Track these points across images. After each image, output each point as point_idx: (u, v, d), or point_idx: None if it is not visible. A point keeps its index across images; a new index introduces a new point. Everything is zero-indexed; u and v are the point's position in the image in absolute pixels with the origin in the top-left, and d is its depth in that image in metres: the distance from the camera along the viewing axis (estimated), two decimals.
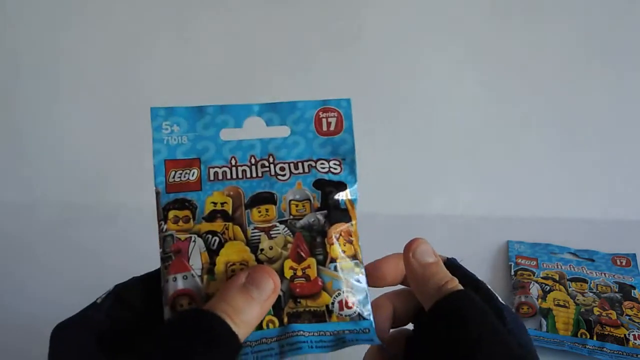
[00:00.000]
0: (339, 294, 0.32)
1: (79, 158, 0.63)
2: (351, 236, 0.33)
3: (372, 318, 0.32)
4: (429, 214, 0.68)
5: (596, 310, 0.54)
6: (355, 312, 0.32)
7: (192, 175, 0.33)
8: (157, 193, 0.33)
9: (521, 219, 0.68)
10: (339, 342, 0.32)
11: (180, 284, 0.31)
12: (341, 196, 0.34)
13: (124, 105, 0.64)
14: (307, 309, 0.32)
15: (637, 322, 0.53)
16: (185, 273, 0.31)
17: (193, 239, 0.32)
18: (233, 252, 0.32)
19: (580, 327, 0.53)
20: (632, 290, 0.58)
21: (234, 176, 0.33)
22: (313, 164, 0.34)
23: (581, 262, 0.61)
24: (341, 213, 0.33)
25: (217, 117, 0.34)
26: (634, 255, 0.62)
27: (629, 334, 0.52)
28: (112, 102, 0.65)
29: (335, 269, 0.32)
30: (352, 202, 0.34)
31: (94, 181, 0.61)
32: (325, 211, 0.33)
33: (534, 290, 0.56)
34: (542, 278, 0.58)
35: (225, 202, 0.33)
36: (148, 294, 0.31)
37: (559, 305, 0.54)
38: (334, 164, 0.34)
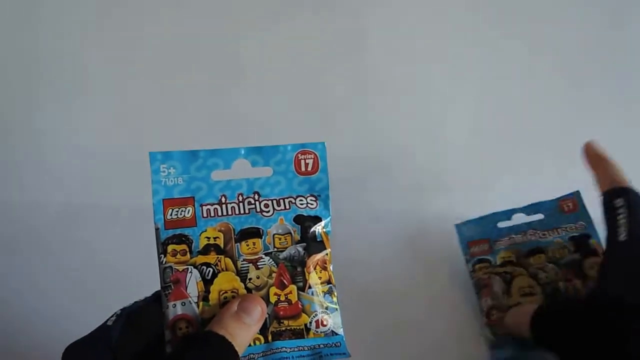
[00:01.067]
0: (316, 314, 0.38)
1: (79, 158, 0.63)
2: (326, 263, 0.39)
3: (342, 333, 0.38)
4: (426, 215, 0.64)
5: (561, 285, 0.51)
6: (329, 329, 0.38)
7: (188, 213, 0.37)
8: (157, 229, 0.37)
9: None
10: (316, 356, 0.37)
11: (179, 310, 0.36)
12: (317, 229, 0.39)
13: (124, 105, 0.65)
14: (288, 328, 0.37)
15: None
16: (183, 300, 0.36)
17: (190, 270, 0.37)
18: (225, 282, 0.37)
19: None
20: (588, 241, 0.52)
21: (225, 213, 0.38)
22: (293, 200, 0.39)
23: (531, 223, 0.55)
24: (317, 244, 0.39)
25: (208, 160, 0.38)
26: (578, 193, 0.53)
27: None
28: (112, 101, 0.65)
29: (313, 293, 0.38)
30: (327, 233, 0.39)
31: (94, 181, 0.62)
32: (304, 244, 0.38)
33: (497, 285, 0.53)
34: (500, 266, 0.54)
35: (218, 237, 0.37)
36: (157, 318, 0.36)
37: (525, 294, 0.52)
38: (311, 200, 0.39)
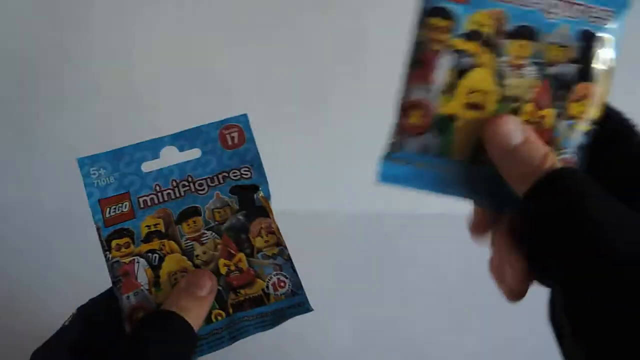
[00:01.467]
0: (271, 277, 0.37)
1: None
2: (271, 227, 0.39)
3: (303, 292, 0.38)
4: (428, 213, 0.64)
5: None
6: (288, 290, 0.37)
7: (125, 207, 0.38)
8: (98, 229, 0.38)
9: None
10: (279, 318, 0.37)
11: (133, 300, 0.36)
12: (255, 195, 0.39)
13: (124, 104, 0.66)
14: (247, 297, 0.37)
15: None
16: (135, 290, 0.36)
17: (136, 260, 0.37)
18: (173, 263, 0.37)
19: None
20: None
21: (161, 200, 0.39)
22: (227, 174, 0.39)
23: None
24: (258, 210, 0.39)
25: (135, 154, 0.39)
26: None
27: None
28: (112, 101, 0.66)
29: (263, 256, 0.38)
30: (266, 198, 0.39)
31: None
32: (244, 211, 0.39)
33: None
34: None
35: (158, 223, 0.38)
36: (109, 310, 0.36)
37: (471, 106, 0.32)
38: (245, 170, 0.40)
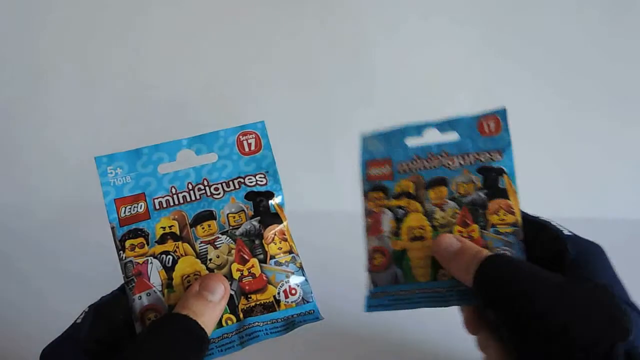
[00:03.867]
0: (282, 284, 0.38)
1: (79, 157, 0.63)
2: (284, 234, 0.39)
3: (313, 299, 0.38)
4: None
5: (456, 230, 0.42)
6: (299, 297, 0.38)
7: (140, 208, 0.38)
8: (112, 228, 0.38)
9: None
10: (290, 325, 0.37)
11: (145, 301, 0.36)
12: (270, 202, 0.39)
13: (124, 104, 0.66)
14: (257, 303, 0.37)
15: (504, 233, 0.41)
16: (148, 290, 0.36)
17: (150, 260, 0.37)
18: (186, 266, 0.37)
19: (438, 267, 0.41)
20: (499, 178, 0.42)
21: (176, 202, 0.39)
22: (242, 180, 0.40)
23: (443, 145, 0.44)
24: (272, 217, 0.39)
25: (153, 155, 0.39)
26: (504, 112, 0.43)
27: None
28: (112, 100, 0.66)
29: (276, 263, 0.38)
30: (280, 205, 0.40)
31: (93, 180, 0.63)
32: (259, 217, 0.39)
33: (386, 222, 0.44)
34: (395, 198, 0.44)
35: (173, 225, 0.38)
36: (125, 308, 0.36)
37: (414, 238, 0.43)
38: (260, 177, 0.40)
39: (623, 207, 0.71)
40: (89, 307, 0.36)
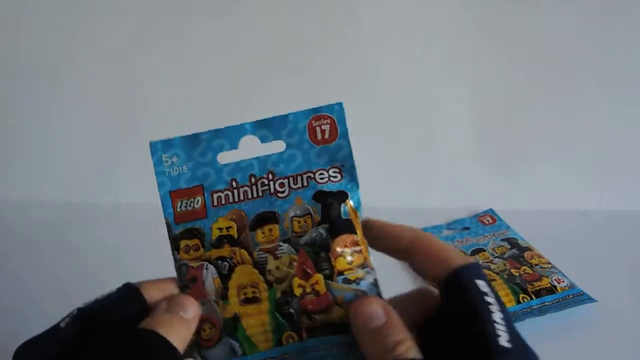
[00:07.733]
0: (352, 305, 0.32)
1: (79, 157, 0.66)
2: (358, 245, 0.33)
3: None
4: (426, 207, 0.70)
5: (515, 272, 0.56)
6: None
7: (197, 204, 0.34)
8: (168, 224, 0.34)
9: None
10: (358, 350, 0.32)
11: (200, 310, 0.33)
12: (343, 206, 0.33)
13: (123, 104, 0.66)
14: (323, 323, 0.32)
15: (547, 268, 0.57)
16: (203, 300, 0.33)
17: (205, 266, 0.33)
18: (243, 276, 0.33)
19: (518, 293, 0.55)
20: (519, 242, 0.62)
21: (236, 199, 0.34)
22: (312, 175, 0.33)
23: (462, 233, 0.62)
24: (343, 224, 0.33)
25: (213, 142, 0.34)
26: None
27: (551, 281, 0.56)
28: (112, 101, 0.67)
29: (344, 281, 0.32)
30: (356, 210, 0.33)
31: (93, 180, 0.64)
32: (327, 225, 0.33)
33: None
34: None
35: (230, 227, 0.34)
36: (119, 323, 0.31)
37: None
38: (334, 172, 0.33)
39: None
40: (78, 310, 0.31)
